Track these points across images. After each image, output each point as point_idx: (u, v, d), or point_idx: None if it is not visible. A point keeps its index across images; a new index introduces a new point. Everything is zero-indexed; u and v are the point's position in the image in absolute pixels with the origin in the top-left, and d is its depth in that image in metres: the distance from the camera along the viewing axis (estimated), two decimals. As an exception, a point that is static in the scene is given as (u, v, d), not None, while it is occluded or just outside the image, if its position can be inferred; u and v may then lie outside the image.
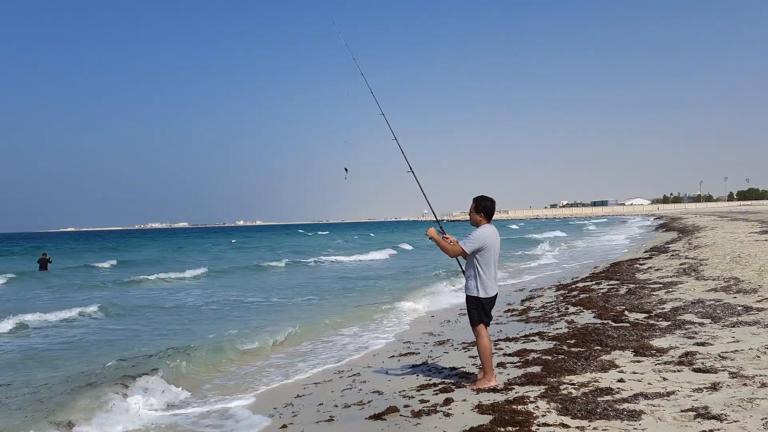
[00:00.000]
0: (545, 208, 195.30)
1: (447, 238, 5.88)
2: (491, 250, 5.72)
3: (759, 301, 8.92)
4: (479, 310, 5.74)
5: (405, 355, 7.92)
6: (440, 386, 5.86)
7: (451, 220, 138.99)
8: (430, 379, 6.28)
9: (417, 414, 5.00)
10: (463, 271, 6.00)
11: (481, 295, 5.71)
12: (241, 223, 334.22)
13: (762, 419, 4.09)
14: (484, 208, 5.81)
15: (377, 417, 5.07)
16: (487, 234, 5.72)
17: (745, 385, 4.92)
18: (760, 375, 5.11)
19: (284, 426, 5.25)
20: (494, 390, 5.48)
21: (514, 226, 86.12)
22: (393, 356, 7.92)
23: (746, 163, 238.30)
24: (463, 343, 8.19)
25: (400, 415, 5.05)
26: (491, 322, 5.96)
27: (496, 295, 5.85)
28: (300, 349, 8.99)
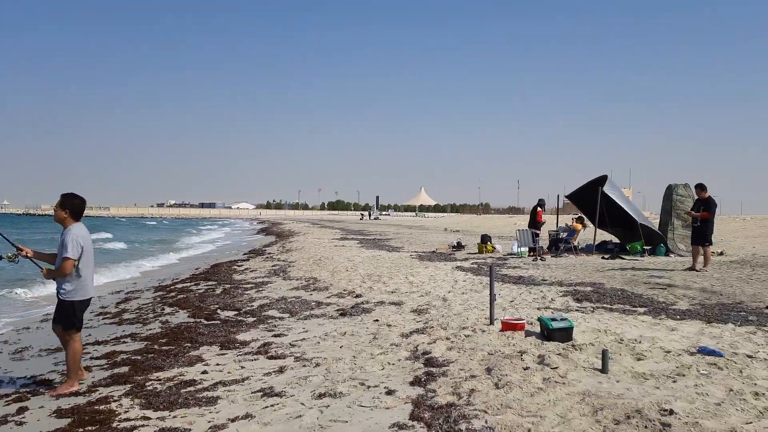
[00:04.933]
0: (151, 206, 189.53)
1: (41, 254, 5.65)
2: (89, 250, 5.62)
3: (328, 297, 10.73)
4: (75, 314, 5.58)
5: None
6: (13, 396, 5.41)
7: (40, 215, 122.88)
8: (1, 391, 5.70)
9: None
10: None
11: (80, 298, 5.58)
12: None
13: (311, 391, 5.09)
14: (72, 205, 5.62)
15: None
16: (83, 234, 5.59)
17: (304, 366, 5.99)
18: (316, 357, 6.29)
19: None
20: (76, 394, 5.35)
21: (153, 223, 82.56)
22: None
23: (336, 178, 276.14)
24: (46, 349, 7.60)
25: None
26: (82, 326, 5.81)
27: (91, 297, 5.82)
28: None
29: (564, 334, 6.22)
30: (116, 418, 4.57)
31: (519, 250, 18.54)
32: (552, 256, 17.62)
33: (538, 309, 8.44)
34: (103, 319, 9.92)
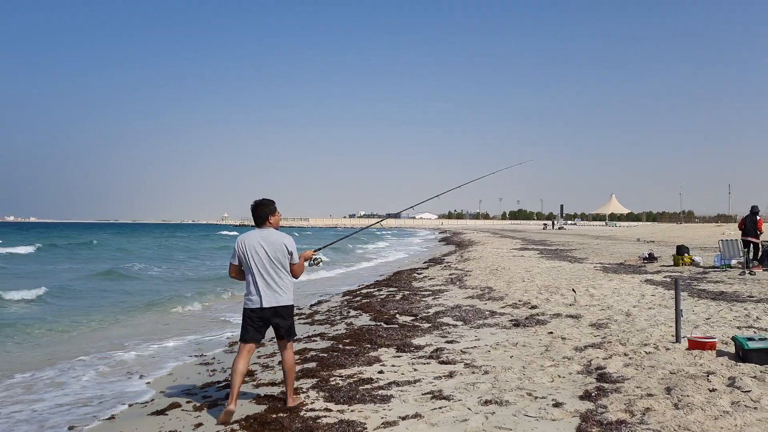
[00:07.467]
0: (344, 217, 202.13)
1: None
2: (249, 256, 5.12)
3: (503, 307, 10.73)
4: (243, 321, 5.21)
5: (193, 356, 8.16)
6: (224, 383, 6.30)
7: (252, 225, 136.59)
8: (214, 378, 6.68)
9: (199, 408, 5.40)
10: None
11: (245, 306, 5.21)
12: (12, 219, 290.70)
13: (478, 398, 5.23)
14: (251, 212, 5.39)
15: (160, 413, 5.36)
16: (242, 240, 5.22)
17: (473, 373, 6.13)
18: (485, 365, 6.40)
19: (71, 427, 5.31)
20: (272, 384, 6.06)
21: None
22: (179, 359, 8.11)
23: (517, 187, 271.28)
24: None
25: (182, 410, 5.40)
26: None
27: (270, 308, 5.11)
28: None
29: (762, 356, 5.63)
30: (304, 408, 5.13)
31: (723, 263, 16.76)
32: (764, 270, 15.65)
33: (738, 328, 7.67)
34: (298, 319, 10.98)
